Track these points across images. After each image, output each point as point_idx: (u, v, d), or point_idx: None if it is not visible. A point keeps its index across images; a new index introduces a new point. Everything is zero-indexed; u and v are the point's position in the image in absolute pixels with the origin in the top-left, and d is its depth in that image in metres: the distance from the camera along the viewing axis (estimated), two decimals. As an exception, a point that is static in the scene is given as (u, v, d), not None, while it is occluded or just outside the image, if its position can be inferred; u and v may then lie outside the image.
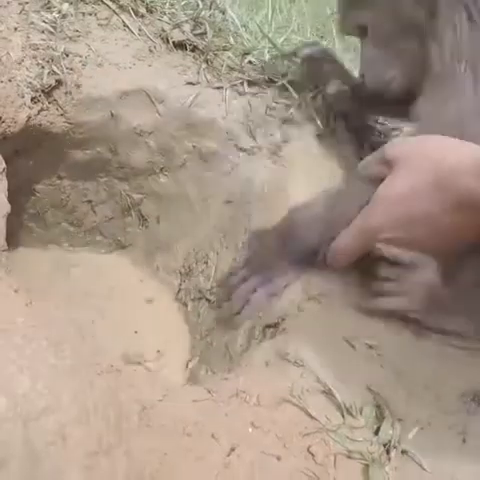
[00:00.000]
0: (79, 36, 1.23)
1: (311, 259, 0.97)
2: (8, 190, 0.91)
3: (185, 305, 1.22)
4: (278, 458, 0.68)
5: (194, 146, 1.24)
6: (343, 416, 0.75)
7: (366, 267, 0.96)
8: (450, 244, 0.88)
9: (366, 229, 0.91)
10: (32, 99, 1.10)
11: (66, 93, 1.16)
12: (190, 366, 1.10)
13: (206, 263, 1.20)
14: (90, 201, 1.32)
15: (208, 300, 1.17)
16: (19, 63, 1.11)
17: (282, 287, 0.98)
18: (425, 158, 0.87)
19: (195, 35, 1.32)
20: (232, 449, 0.67)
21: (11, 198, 0.92)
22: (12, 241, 0.83)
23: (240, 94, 1.27)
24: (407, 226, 0.88)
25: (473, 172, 0.81)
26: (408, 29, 1.07)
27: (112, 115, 1.20)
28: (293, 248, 0.98)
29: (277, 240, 1.00)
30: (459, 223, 0.85)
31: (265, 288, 0.99)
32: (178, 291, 1.25)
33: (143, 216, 1.32)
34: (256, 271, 1.01)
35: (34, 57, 1.14)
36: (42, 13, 1.22)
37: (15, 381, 0.56)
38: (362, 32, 1.16)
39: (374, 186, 0.91)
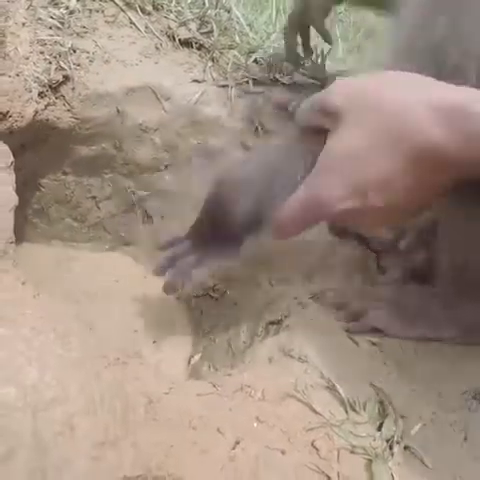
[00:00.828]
0: (86, 32, 1.24)
1: (251, 228, 0.84)
2: (14, 184, 0.92)
3: (188, 302, 1.22)
4: (282, 452, 0.69)
5: (199, 143, 1.24)
6: (347, 412, 0.76)
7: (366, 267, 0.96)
8: (413, 208, 0.78)
9: (315, 200, 0.77)
10: (39, 94, 1.10)
11: (73, 89, 1.16)
12: (192, 362, 1.10)
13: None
14: (94, 197, 1.32)
15: (211, 297, 1.17)
16: (27, 58, 1.11)
17: (222, 261, 0.89)
18: (377, 107, 0.73)
19: (201, 33, 1.33)
20: (237, 443, 0.67)
21: (16, 192, 0.92)
22: (16, 236, 0.83)
23: (245, 92, 1.27)
24: (363, 193, 0.74)
25: (436, 119, 0.69)
26: None
27: (118, 111, 1.20)
28: (230, 217, 0.84)
29: (207, 212, 0.88)
30: (422, 182, 0.73)
31: (199, 268, 0.88)
32: (181, 288, 1.25)
33: (147, 213, 1.33)
34: (199, 244, 0.89)
35: (41, 52, 1.14)
36: (49, 9, 1.23)
37: (24, 372, 0.57)
38: None
39: (316, 140, 0.78)
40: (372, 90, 0.75)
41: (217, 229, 0.86)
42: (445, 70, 0.75)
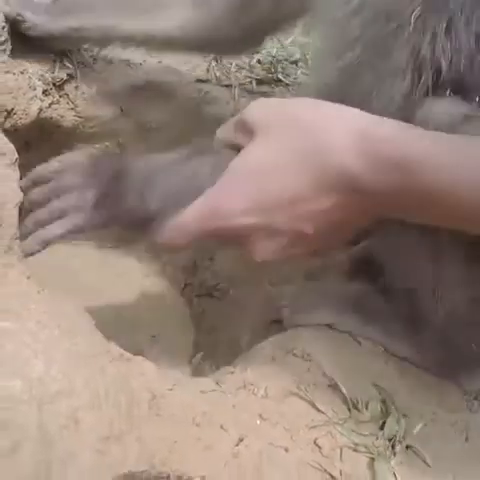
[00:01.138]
0: (91, 31, 1.24)
1: (142, 223, 0.77)
2: (17, 182, 0.92)
3: (190, 301, 1.22)
4: (286, 450, 0.69)
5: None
6: (349, 410, 0.76)
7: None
8: (323, 238, 0.74)
9: (212, 210, 0.73)
10: (43, 92, 1.11)
11: (77, 87, 1.16)
12: (194, 361, 1.10)
13: (211, 259, 1.20)
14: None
15: (213, 296, 1.17)
16: (31, 56, 1.11)
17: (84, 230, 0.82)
18: (291, 125, 0.72)
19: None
20: (240, 439, 0.68)
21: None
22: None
23: (249, 92, 1.28)
24: (264, 210, 0.71)
25: (354, 150, 0.67)
26: None
27: (122, 110, 1.21)
28: (129, 202, 0.77)
29: (118, 180, 0.79)
30: (335, 210, 0.70)
31: (70, 222, 0.81)
32: (184, 287, 1.25)
33: (150, 211, 1.33)
34: (74, 192, 0.80)
35: (46, 50, 1.14)
36: (55, 7, 1.23)
37: (30, 365, 0.57)
38: None
39: (231, 155, 0.75)
40: (289, 109, 0.75)
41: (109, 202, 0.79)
42: None
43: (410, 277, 0.82)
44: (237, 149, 0.75)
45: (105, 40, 1.14)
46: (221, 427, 0.68)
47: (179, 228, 0.75)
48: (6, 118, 1.05)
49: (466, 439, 0.81)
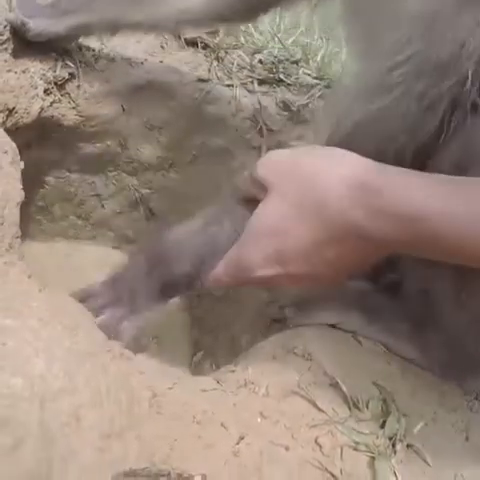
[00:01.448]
0: (92, 30, 1.24)
1: (183, 286, 0.87)
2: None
3: (191, 300, 1.23)
4: (286, 448, 0.69)
5: (203, 142, 1.25)
6: (350, 409, 0.76)
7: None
8: (339, 275, 0.80)
9: (238, 266, 0.81)
10: (45, 91, 1.11)
11: (78, 86, 1.17)
12: (195, 360, 1.10)
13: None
14: (98, 195, 1.33)
15: (214, 296, 1.18)
16: (33, 55, 1.11)
17: (150, 313, 0.87)
18: (295, 179, 0.77)
19: (206, 33, 1.33)
20: (241, 438, 0.68)
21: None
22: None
23: (250, 92, 1.28)
24: (281, 262, 0.78)
25: (352, 199, 0.72)
26: None
27: (123, 109, 1.21)
28: (163, 273, 0.86)
29: (147, 263, 0.87)
30: (346, 254, 0.75)
31: (132, 320, 0.86)
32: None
33: (151, 211, 1.33)
34: (121, 297, 0.86)
35: (48, 49, 1.14)
36: (57, 6, 1.23)
37: (32, 362, 0.57)
38: None
39: (250, 209, 0.82)
40: (295, 164, 0.79)
41: (151, 282, 0.87)
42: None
43: (430, 278, 0.82)
44: (253, 204, 0.81)
45: (112, 31, 1.14)
46: (222, 425, 0.68)
47: (214, 281, 0.85)
48: (8, 117, 1.05)
49: (466, 438, 0.81)
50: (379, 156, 0.75)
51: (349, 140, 0.81)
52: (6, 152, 0.84)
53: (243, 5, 1.09)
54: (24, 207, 0.82)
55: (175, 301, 0.90)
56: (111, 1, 1.11)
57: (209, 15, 1.10)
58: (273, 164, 0.82)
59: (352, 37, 0.94)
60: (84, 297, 0.84)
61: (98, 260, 1.32)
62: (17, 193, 0.80)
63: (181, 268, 0.85)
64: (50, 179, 1.28)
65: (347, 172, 0.73)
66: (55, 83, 1.13)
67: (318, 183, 0.75)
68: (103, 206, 1.34)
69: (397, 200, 0.69)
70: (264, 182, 0.80)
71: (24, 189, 0.83)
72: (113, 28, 1.12)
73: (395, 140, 0.79)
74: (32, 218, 1.30)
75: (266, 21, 1.62)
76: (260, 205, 0.80)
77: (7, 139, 0.88)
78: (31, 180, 1.19)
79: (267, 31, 1.50)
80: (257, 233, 0.80)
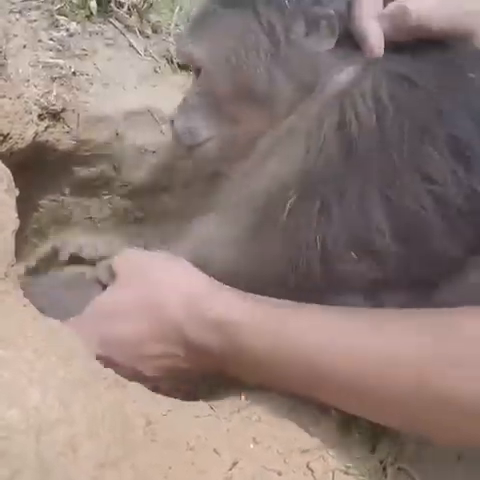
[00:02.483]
0: (86, 55, 1.25)
1: None
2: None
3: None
4: (279, 473, 0.70)
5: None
6: (341, 433, 0.77)
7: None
8: (177, 376, 0.87)
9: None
10: (39, 116, 1.11)
11: (72, 111, 1.17)
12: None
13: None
14: (93, 218, 1.33)
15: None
16: (27, 80, 1.12)
17: None
18: (143, 277, 0.86)
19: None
20: (234, 463, 0.68)
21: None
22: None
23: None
24: (108, 346, 0.83)
25: (185, 310, 0.80)
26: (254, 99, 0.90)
27: (117, 134, 1.21)
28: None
29: None
30: (172, 356, 0.82)
31: None
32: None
33: (145, 234, 1.34)
34: None
35: (42, 75, 1.15)
36: (50, 31, 1.24)
37: (26, 394, 0.58)
38: (196, 70, 0.98)
39: (99, 292, 0.90)
40: (146, 263, 0.88)
41: None
42: None
43: None
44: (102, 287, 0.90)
45: None
46: (215, 451, 0.69)
47: None
48: (2, 142, 1.05)
49: (459, 458, 0.82)
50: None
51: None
52: (1, 180, 0.85)
53: None
54: (19, 230, 0.83)
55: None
56: None
57: None
58: (128, 257, 0.91)
59: None
60: None
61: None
62: (12, 221, 0.81)
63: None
64: (45, 202, 1.28)
65: (189, 285, 0.83)
66: (49, 108, 1.14)
67: (162, 286, 0.83)
68: (97, 229, 1.34)
69: (220, 316, 0.78)
70: (115, 270, 0.88)
71: (19, 213, 0.84)
72: None
73: None
74: (27, 241, 1.30)
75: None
76: (108, 288, 0.88)
77: (1, 166, 0.88)
78: (26, 203, 1.20)
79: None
80: (95, 312, 0.86)
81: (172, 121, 1.03)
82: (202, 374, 0.87)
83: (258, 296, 0.80)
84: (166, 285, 0.83)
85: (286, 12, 0.85)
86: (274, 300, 0.79)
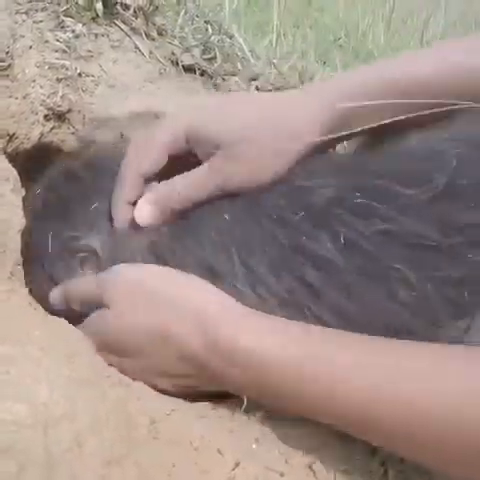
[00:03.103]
0: (92, 56, 1.25)
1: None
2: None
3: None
4: (281, 474, 0.70)
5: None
6: (343, 434, 0.77)
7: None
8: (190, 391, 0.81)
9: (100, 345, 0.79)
10: (45, 116, 1.12)
11: (78, 112, 1.18)
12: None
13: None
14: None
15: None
16: (33, 81, 1.12)
17: None
18: (145, 302, 0.78)
19: (204, 59, 1.34)
20: (237, 464, 0.69)
21: (19, 214, 0.94)
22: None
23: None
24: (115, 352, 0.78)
25: (197, 330, 0.74)
26: None
27: (122, 136, 1.22)
28: None
29: None
30: (189, 383, 0.79)
31: None
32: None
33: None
34: None
35: (48, 75, 1.16)
36: (56, 32, 1.24)
37: (34, 390, 0.58)
38: None
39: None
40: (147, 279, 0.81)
41: None
42: None
43: None
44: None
45: None
46: (218, 451, 0.70)
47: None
48: (8, 142, 1.06)
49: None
50: None
51: None
52: (8, 179, 0.85)
53: None
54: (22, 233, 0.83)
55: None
56: None
57: None
58: (115, 283, 0.82)
59: None
60: None
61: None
62: (18, 221, 0.81)
63: None
64: (49, 203, 1.28)
65: (199, 305, 0.77)
66: (55, 109, 1.14)
67: (173, 311, 0.77)
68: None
69: (229, 339, 0.73)
70: (102, 289, 0.81)
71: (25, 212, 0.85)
72: None
73: None
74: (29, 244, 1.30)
75: (262, 45, 1.64)
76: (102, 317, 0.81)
77: (8, 166, 0.89)
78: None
79: (264, 56, 1.51)
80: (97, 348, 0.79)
81: None
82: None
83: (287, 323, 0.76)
84: (180, 310, 0.76)
85: None
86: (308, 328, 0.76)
